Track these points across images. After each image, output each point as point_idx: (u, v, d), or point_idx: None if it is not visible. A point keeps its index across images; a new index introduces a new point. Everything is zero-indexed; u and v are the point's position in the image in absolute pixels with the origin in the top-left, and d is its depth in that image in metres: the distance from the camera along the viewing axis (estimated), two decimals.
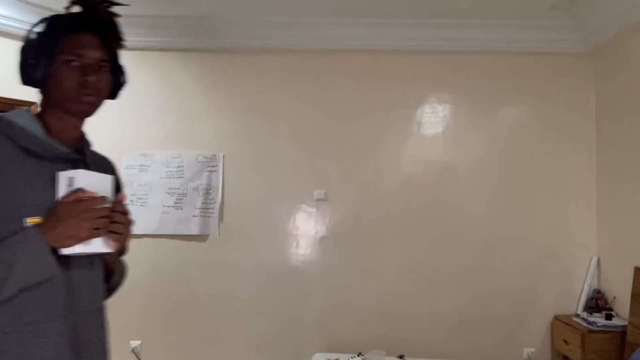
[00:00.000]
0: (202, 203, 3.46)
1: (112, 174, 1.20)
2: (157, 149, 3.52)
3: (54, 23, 1.09)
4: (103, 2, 1.09)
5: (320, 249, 3.46)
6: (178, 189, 3.48)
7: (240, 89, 3.53)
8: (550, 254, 3.37)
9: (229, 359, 3.44)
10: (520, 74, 3.44)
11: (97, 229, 0.98)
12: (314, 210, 3.47)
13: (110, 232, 1.03)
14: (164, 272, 3.48)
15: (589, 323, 2.94)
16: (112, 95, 1.18)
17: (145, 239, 3.48)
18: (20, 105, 3.29)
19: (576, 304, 3.31)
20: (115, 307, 3.64)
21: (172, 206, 3.47)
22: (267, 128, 3.51)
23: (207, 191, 3.47)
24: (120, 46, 1.13)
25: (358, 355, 2.97)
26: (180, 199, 3.47)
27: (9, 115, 1.04)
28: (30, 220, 0.95)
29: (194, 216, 3.46)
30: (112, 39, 1.10)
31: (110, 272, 1.22)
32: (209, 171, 3.48)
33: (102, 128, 3.54)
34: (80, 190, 0.98)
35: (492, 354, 3.34)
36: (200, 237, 3.48)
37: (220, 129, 3.53)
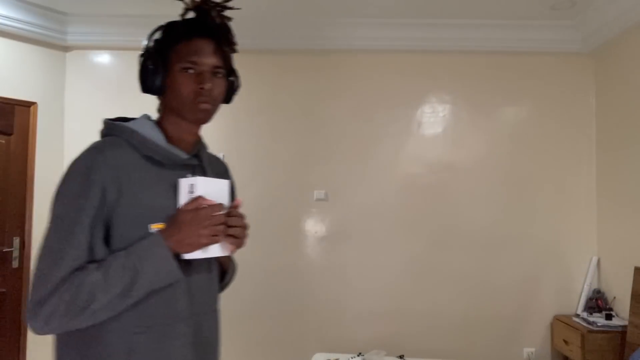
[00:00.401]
0: None
1: (226, 174, 1.29)
2: None
3: (169, 31, 1.10)
4: (216, 7, 1.09)
5: (320, 249, 3.46)
6: None
7: (240, 89, 3.52)
8: (550, 253, 3.37)
9: (229, 359, 3.44)
10: (520, 74, 3.44)
11: (215, 235, 1.00)
12: (314, 210, 3.47)
13: (228, 235, 1.05)
14: None
15: (589, 323, 2.94)
16: (227, 99, 1.19)
17: None
18: (20, 105, 3.29)
19: (576, 304, 3.31)
20: None
21: None
22: (267, 128, 3.51)
23: None
24: (234, 50, 1.14)
25: (358, 355, 2.97)
26: None
27: (132, 124, 1.07)
28: (155, 227, 0.99)
29: None
30: (225, 44, 1.11)
31: (224, 271, 1.27)
32: None
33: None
34: (200, 198, 1.00)
35: (492, 354, 3.34)
36: None
37: (220, 129, 3.52)
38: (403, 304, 3.39)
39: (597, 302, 3.14)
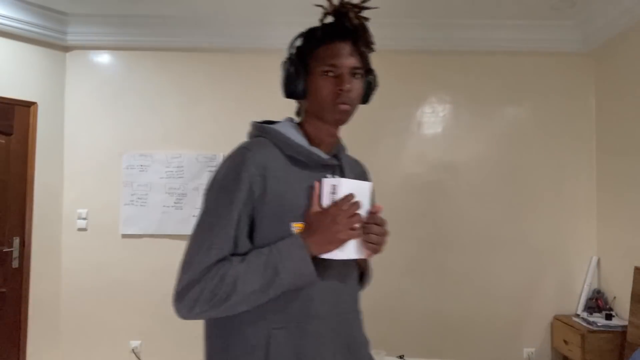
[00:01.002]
0: None
1: (365, 177, 1.32)
2: (157, 149, 3.52)
3: (309, 36, 1.12)
4: (354, 9, 1.11)
5: None
6: (178, 189, 3.48)
7: (240, 89, 3.53)
8: (550, 253, 3.37)
9: None
10: (520, 74, 3.44)
11: (353, 234, 1.01)
12: None
13: (366, 240, 1.06)
14: (164, 272, 3.47)
15: (589, 323, 2.94)
16: (365, 99, 1.20)
17: (145, 239, 3.48)
18: (20, 105, 3.29)
19: (576, 304, 3.31)
20: (115, 307, 3.67)
21: (172, 206, 3.47)
22: None
23: None
24: (372, 50, 1.14)
25: None
26: (180, 199, 3.47)
27: (277, 126, 1.12)
28: (296, 225, 1.03)
29: (194, 216, 3.46)
30: (363, 44, 1.11)
31: (361, 274, 1.28)
32: (209, 171, 3.48)
33: (102, 128, 3.55)
34: (343, 198, 1.02)
35: (492, 354, 3.34)
36: None
37: (220, 129, 3.52)
38: (403, 304, 3.39)
39: (597, 302, 3.14)
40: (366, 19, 1.12)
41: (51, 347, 3.42)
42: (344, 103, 1.07)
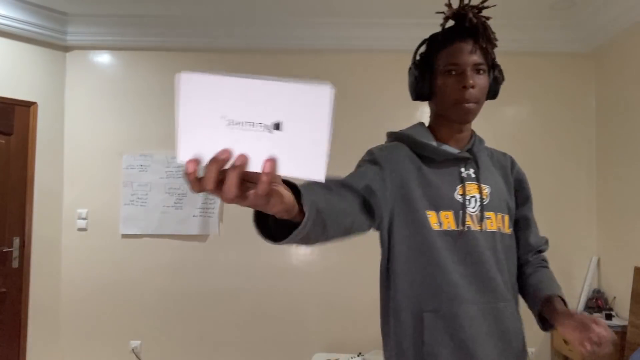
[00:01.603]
0: (202, 203, 3.46)
1: (512, 170, 1.31)
2: (157, 149, 3.52)
3: (431, 41, 1.19)
4: (473, 9, 1.15)
5: (320, 249, 3.46)
6: (178, 189, 3.48)
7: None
8: (550, 253, 3.35)
9: (228, 359, 3.44)
10: (520, 74, 3.44)
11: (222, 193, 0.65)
12: None
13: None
14: (164, 272, 3.48)
15: None
16: (492, 95, 1.22)
17: (145, 239, 3.48)
18: (20, 105, 3.29)
19: (576, 304, 3.31)
20: (115, 307, 3.67)
21: (172, 206, 3.47)
22: None
23: None
24: (494, 46, 1.17)
25: (358, 355, 2.97)
26: (180, 199, 3.47)
27: (407, 129, 1.22)
28: (428, 213, 1.11)
29: (194, 216, 3.46)
30: (484, 41, 1.14)
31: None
32: None
33: (102, 128, 3.55)
34: None
35: None
36: (200, 237, 3.48)
37: None
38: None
39: (597, 302, 3.14)
40: (486, 17, 1.15)
41: (51, 347, 3.42)
42: (467, 101, 1.10)
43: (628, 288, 2.88)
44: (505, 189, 1.23)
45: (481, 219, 1.13)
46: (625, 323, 2.83)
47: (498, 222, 1.17)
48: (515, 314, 1.23)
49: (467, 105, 1.11)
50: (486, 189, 1.18)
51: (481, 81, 1.13)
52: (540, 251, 1.38)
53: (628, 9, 2.87)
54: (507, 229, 1.19)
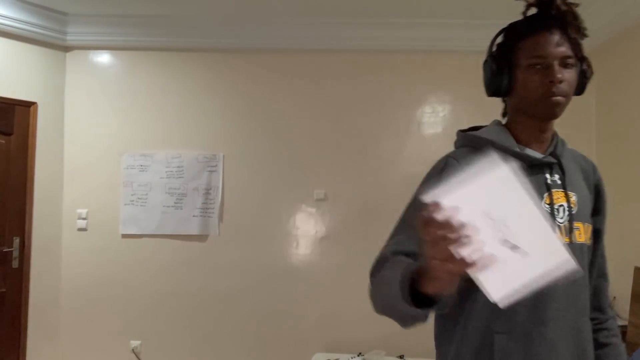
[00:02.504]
0: (202, 203, 3.46)
1: (593, 174, 1.16)
2: (157, 149, 3.52)
3: (510, 31, 1.07)
4: None
5: (320, 249, 3.46)
6: (178, 189, 3.48)
7: (240, 89, 3.53)
8: None
9: (228, 359, 3.44)
10: None
11: (451, 268, 0.72)
12: (314, 210, 3.47)
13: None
14: (164, 272, 3.48)
15: None
16: (579, 90, 1.10)
17: (145, 239, 3.48)
18: (20, 105, 3.29)
19: None
20: (115, 307, 3.66)
21: (172, 206, 3.47)
22: (267, 128, 3.51)
23: (207, 191, 3.47)
24: (584, 36, 1.05)
25: (358, 355, 2.97)
26: (180, 199, 3.47)
27: (480, 132, 1.11)
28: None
29: (194, 216, 3.46)
30: (573, 31, 1.02)
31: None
32: (209, 171, 3.48)
33: (102, 128, 3.55)
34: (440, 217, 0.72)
35: None
36: (200, 237, 3.48)
37: (220, 129, 3.53)
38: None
39: None
40: (575, 4, 1.03)
41: (51, 347, 3.42)
42: (555, 95, 1.00)
43: (628, 288, 2.88)
44: (589, 197, 1.11)
45: (570, 230, 1.03)
46: (625, 323, 2.82)
47: (586, 233, 1.06)
48: (590, 333, 1.09)
49: (555, 98, 1.00)
50: (573, 197, 1.06)
51: (569, 75, 1.02)
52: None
53: (628, 8, 2.87)
54: (589, 240, 1.08)
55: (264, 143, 3.51)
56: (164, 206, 3.47)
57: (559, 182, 1.06)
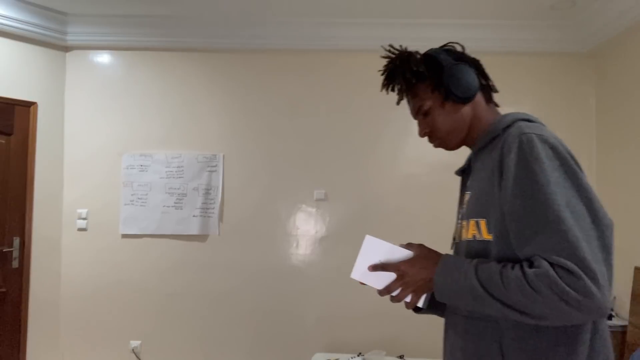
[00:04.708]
0: (202, 203, 3.46)
1: (499, 157, 1.03)
2: (157, 149, 3.52)
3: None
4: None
5: (320, 249, 3.46)
6: (178, 189, 3.48)
7: (240, 89, 3.53)
8: None
9: (228, 359, 3.44)
10: (520, 74, 3.44)
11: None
12: (314, 210, 3.47)
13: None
14: (164, 272, 3.48)
15: None
16: (461, 95, 1.23)
17: (145, 239, 3.48)
18: (20, 105, 3.29)
19: None
20: (115, 307, 3.66)
21: (172, 206, 3.47)
22: (267, 128, 3.51)
23: (207, 191, 3.47)
24: (416, 75, 1.27)
25: (358, 355, 2.97)
26: (180, 199, 3.47)
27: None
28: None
29: (194, 216, 3.46)
30: (402, 84, 1.28)
31: None
32: (209, 171, 3.48)
33: (102, 128, 3.55)
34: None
35: None
36: (200, 237, 3.48)
37: (220, 129, 3.53)
38: (403, 304, 3.38)
39: None
40: (392, 56, 1.31)
41: (51, 347, 3.42)
42: (432, 142, 1.31)
43: (628, 288, 2.88)
44: (488, 188, 1.01)
45: (461, 229, 1.12)
46: (625, 323, 2.83)
47: (473, 230, 1.04)
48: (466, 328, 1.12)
49: (435, 144, 1.20)
50: (467, 196, 1.12)
51: (430, 121, 1.19)
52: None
53: (628, 9, 2.87)
54: (487, 235, 1.00)
55: (264, 143, 3.51)
56: (164, 206, 3.47)
57: (468, 183, 1.15)
